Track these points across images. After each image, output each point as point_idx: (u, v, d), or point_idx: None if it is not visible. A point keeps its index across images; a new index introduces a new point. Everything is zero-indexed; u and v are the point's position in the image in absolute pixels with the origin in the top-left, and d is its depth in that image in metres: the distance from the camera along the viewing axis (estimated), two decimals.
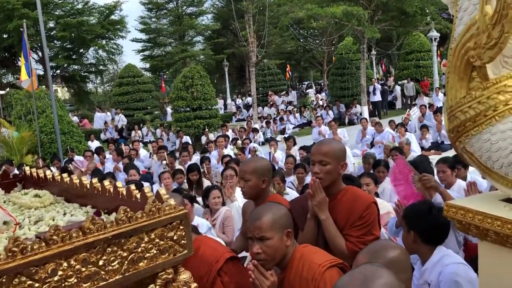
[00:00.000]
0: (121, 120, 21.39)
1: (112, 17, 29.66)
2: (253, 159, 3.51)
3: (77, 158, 10.48)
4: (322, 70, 35.13)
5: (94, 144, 15.09)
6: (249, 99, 25.73)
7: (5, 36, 26.39)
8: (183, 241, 1.42)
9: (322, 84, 34.39)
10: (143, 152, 11.91)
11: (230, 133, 14.58)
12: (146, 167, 10.87)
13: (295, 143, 10.13)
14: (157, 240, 1.37)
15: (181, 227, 1.41)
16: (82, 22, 26.97)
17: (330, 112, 19.17)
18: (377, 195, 4.91)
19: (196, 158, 10.03)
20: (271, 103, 24.10)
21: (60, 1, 28.16)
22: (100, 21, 28.72)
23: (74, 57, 29.81)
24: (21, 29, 13.02)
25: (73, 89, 33.00)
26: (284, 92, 28.06)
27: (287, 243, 2.13)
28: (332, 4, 16.91)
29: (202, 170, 8.50)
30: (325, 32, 26.79)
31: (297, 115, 20.42)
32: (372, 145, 11.07)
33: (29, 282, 1.11)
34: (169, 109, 23.51)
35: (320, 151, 2.57)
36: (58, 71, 29.76)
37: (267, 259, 2.07)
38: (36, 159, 10.53)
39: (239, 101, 28.00)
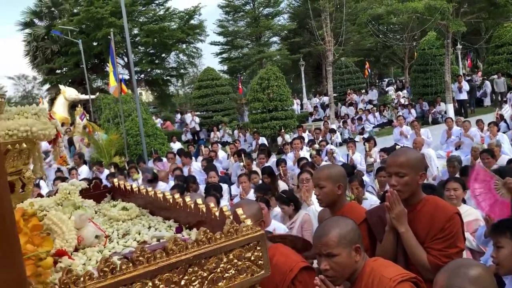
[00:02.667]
0: (195, 122, 22.10)
1: (192, 21, 30.77)
2: (327, 166, 3.47)
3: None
4: (403, 66, 33.79)
5: (176, 146, 15.77)
6: (325, 99, 25.43)
7: (95, 44, 28.38)
8: (260, 262, 1.44)
9: (404, 81, 33.10)
10: (221, 154, 12.21)
11: (306, 134, 14.52)
12: (224, 168, 11.14)
13: (375, 144, 9.85)
14: (235, 261, 1.40)
15: (258, 248, 1.43)
16: (164, 28, 28.29)
17: (413, 110, 18.38)
18: (464, 201, 4.64)
19: (272, 160, 10.09)
20: (349, 102, 23.63)
21: (143, 9, 29.75)
22: (181, 26, 29.92)
23: (156, 61, 31.35)
24: (109, 37, 13.88)
25: (156, 92, 34.66)
26: (364, 90, 27.40)
27: (356, 258, 2.08)
28: None
29: (278, 172, 8.56)
30: (406, 27, 25.81)
31: (377, 114, 19.83)
32: (458, 146, 10.46)
33: None
34: (245, 110, 23.94)
35: (396, 162, 2.48)
36: (142, 76, 31.47)
37: (335, 275, 2.04)
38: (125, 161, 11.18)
39: (315, 100, 27.76)
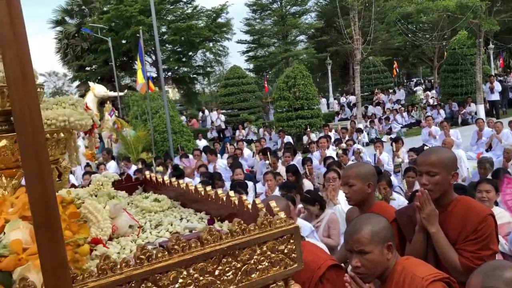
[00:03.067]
0: (220, 120, 22.22)
1: (219, 20, 30.91)
2: (356, 164, 3.44)
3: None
4: (432, 66, 33.22)
5: (202, 143, 15.87)
6: (352, 98, 25.18)
7: (123, 41, 28.82)
8: (293, 255, 1.43)
9: (432, 81, 32.50)
10: (246, 151, 12.23)
11: (332, 133, 14.40)
12: (249, 166, 11.16)
13: (403, 144, 9.70)
14: (268, 253, 1.39)
15: (291, 241, 1.43)
16: (191, 26, 28.50)
17: (442, 111, 18.01)
18: (496, 203, 4.52)
19: (298, 158, 10.04)
20: (377, 101, 23.34)
21: (171, 7, 30.03)
22: (208, 24, 30.10)
23: (183, 59, 31.61)
24: (138, 35, 14.06)
25: (182, 90, 34.99)
26: (391, 90, 27.02)
27: (388, 256, 2.05)
28: None
29: (304, 171, 8.52)
30: (436, 26, 25.33)
31: (405, 114, 19.51)
32: (490, 147, 10.20)
33: None
34: (271, 109, 23.93)
35: (427, 160, 2.42)
36: (169, 73, 31.78)
37: (366, 273, 2.02)
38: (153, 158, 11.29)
39: (342, 99, 27.53)
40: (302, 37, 35.45)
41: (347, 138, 12.80)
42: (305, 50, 32.94)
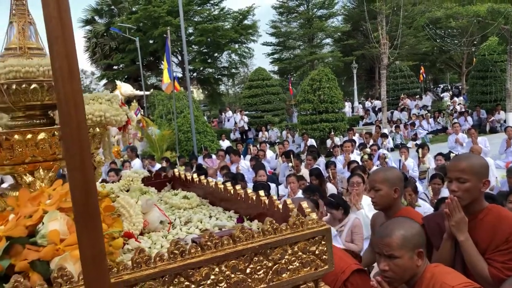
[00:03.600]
0: (243, 121, 22.27)
1: (245, 22, 31.01)
2: (383, 168, 3.40)
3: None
4: (460, 72, 32.62)
5: (225, 144, 15.94)
6: (377, 102, 24.92)
7: (151, 42, 29.19)
8: (324, 256, 1.43)
9: (460, 87, 31.90)
10: (269, 153, 12.23)
11: (356, 137, 14.28)
12: (272, 168, 11.15)
13: (428, 151, 9.56)
14: (299, 253, 1.39)
15: (323, 242, 1.42)
16: (218, 28, 28.68)
17: (469, 118, 17.66)
18: None
19: (321, 161, 10.00)
20: (403, 107, 23.05)
21: (199, 8, 30.28)
22: (234, 26, 30.23)
23: (209, 60, 31.82)
24: (165, 36, 14.21)
25: (207, 91, 35.20)
26: (418, 95, 26.63)
27: (418, 263, 2.02)
28: (475, 1, 15.60)
29: (327, 174, 8.47)
30: (466, 31, 24.85)
31: (431, 120, 19.20)
32: None
33: (186, 283, 1.21)
34: (295, 111, 23.85)
35: (458, 167, 2.36)
36: (194, 74, 32.03)
37: (394, 277, 1.99)
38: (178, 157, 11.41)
39: (367, 104, 27.26)
40: (328, 40, 35.29)
41: (371, 142, 12.67)
42: (331, 53, 32.76)
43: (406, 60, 30.42)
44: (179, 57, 29.93)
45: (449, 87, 35.98)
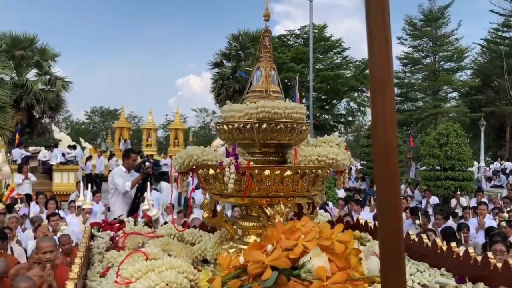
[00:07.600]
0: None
1: (367, 71, 30.82)
2: None
3: None
4: None
5: (340, 193, 15.62)
6: (508, 164, 22.95)
7: None
8: None
9: None
10: None
11: (485, 200, 13.15)
12: None
13: None
14: None
15: None
16: (339, 75, 28.92)
17: None
18: None
19: (450, 223, 9.35)
20: None
21: (321, 56, 30.91)
22: (356, 74, 30.26)
23: (326, 107, 32.03)
24: (294, 78, 14.65)
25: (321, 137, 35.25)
26: None
27: None
28: None
29: (458, 237, 7.87)
30: None
31: None
32: None
33: None
34: (413, 165, 22.81)
35: None
36: None
37: None
38: None
39: (496, 164, 25.18)
40: (454, 94, 33.63)
41: (508, 209, 11.56)
42: (456, 108, 31.09)
43: None
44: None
45: None
